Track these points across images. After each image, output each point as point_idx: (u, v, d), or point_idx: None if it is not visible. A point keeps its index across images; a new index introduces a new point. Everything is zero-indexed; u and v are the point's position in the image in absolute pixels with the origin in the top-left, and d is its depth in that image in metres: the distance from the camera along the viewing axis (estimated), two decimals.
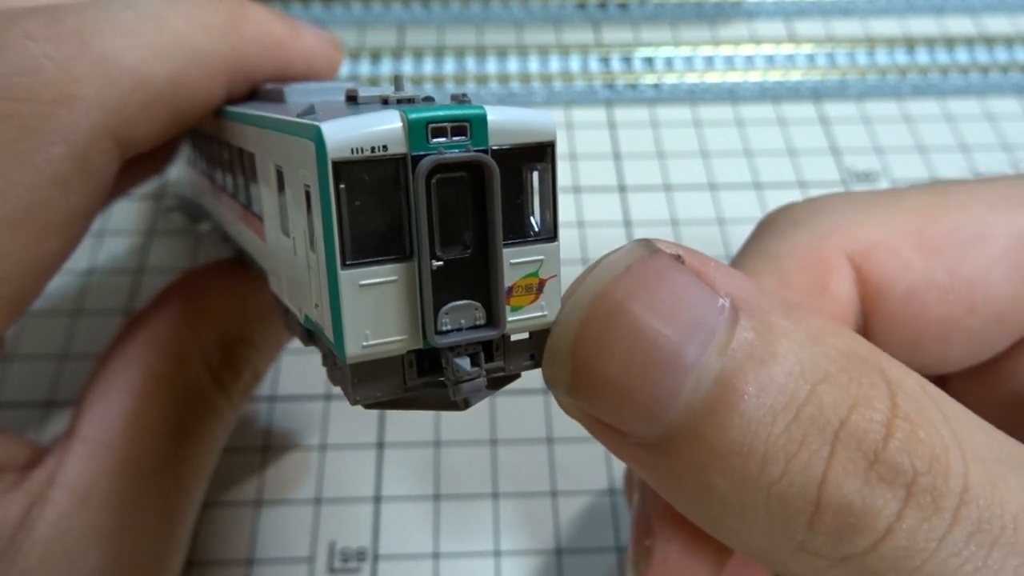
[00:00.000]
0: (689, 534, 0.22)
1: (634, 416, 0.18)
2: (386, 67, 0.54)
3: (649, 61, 0.55)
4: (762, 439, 0.17)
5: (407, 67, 0.54)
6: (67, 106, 0.25)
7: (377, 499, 0.35)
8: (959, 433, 0.17)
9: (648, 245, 0.18)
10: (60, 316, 0.41)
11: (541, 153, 0.19)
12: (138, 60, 0.26)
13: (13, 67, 0.24)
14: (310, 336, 0.22)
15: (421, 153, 0.18)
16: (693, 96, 0.53)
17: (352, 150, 0.17)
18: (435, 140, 0.18)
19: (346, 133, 0.18)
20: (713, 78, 0.54)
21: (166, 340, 0.30)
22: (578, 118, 0.52)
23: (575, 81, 0.53)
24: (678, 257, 0.18)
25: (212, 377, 0.31)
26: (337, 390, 0.23)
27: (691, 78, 0.54)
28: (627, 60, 0.55)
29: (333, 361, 0.20)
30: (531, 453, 0.37)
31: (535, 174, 0.20)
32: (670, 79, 0.53)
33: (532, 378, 0.21)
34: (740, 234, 0.44)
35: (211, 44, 0.28)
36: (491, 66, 0.54)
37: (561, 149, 0.50)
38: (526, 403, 0.38)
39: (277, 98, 0.27)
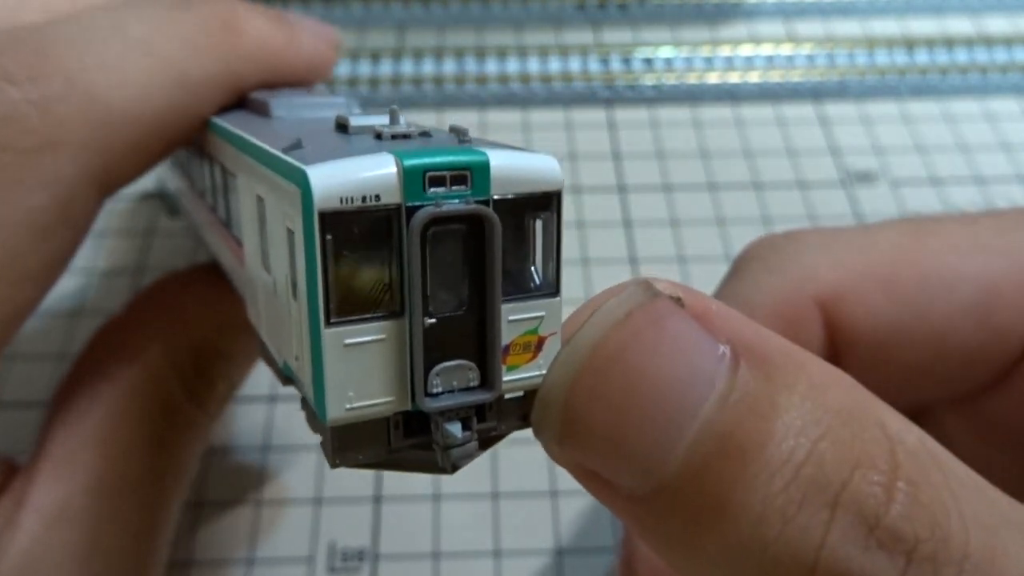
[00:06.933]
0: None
1: (627, 469, 0.17)
2: (386, 67, 0.54)
3: (649, 62, 0.55)
4: (759, 498, 0.16)
5: (407, 68, 0.54)
6: (51, 154, 0.23)
7: (377, 499, 0.35)
8: (959, 495, 0.16)
9: (649, 288, 0.18)
10: (60, 316, 0.41)
11: (546, 202, 0.18)
12: (126, 98, 0.25)
13: None
14: (288, 378, 0.21)
15: (416, 204, 0.16)
16: (693, 96, 0.53)
17: (341, 200, 0.16)
18: (432, 190, 0.16)
19: (335, 180, 0.16)
20: (713, 78, 0.54)
21: (136, 352, 0.29)
22: (578, 118, 0.52)
23: (575, 81, 0.53)
24: (678, 299, 0.18)
25: (185, 389, 0.29)
26: None
27: (691, 78, 0.54)
28: (627, 61, 0.55)
29: (313, 412, 0.19)
30: (531, 454, 0.37)
31: (538, 223, 0.18)
32: (670, 79, 0.53)
33: None
34: (740, 235, 0.44)
35: (204, 69, 0.26)
36: (491, 67, 0.54)
37: (561, 149, 0.50)
38: None
39: (262, 111, 0.26)
